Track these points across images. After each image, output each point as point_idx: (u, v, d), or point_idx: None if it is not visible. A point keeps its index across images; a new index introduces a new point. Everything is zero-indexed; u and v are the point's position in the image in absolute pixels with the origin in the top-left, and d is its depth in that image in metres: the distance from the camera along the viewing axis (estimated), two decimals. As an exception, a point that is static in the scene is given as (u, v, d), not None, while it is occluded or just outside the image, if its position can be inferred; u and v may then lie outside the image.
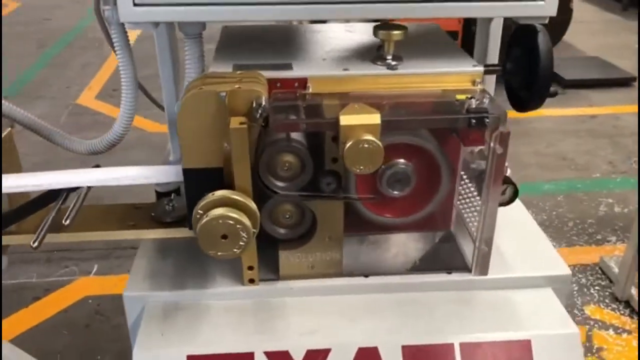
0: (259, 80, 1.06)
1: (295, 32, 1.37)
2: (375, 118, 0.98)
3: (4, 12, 6.94)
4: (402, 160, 1.10)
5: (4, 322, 2.33)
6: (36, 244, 1.03)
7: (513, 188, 1.23)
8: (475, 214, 1.14)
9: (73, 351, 2.22)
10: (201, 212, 1.00)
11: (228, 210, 0.99)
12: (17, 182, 1.05)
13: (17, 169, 1.27)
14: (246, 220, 0.99)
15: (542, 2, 1.09)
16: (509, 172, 1.41)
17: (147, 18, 1.09)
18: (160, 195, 1.27)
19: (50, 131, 1.36)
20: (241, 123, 1.00)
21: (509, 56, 1.25)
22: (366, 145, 0.96)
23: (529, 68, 1.18)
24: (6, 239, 1.15)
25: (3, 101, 1.37)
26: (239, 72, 1.10)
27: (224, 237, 0.99)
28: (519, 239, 1.27)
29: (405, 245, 1.25)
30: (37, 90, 4.66)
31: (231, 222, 0.98)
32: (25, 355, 1.42)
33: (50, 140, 1.36)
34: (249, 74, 1.08)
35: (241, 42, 1.31)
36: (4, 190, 1.03)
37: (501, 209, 1.28)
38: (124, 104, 1.32)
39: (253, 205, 1.02)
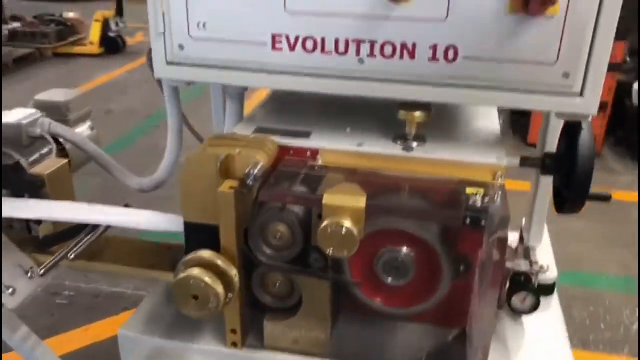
0: (264, 146, 1.07)
1: (350, 100, 1.34)
2: (360, 201, 0.94)
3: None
4: (404, 248, 1.04)
5: (91, 326, 2.54)
6: (42, 271, 1.12)
7: (535, 297, 1.11)
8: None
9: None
10: (182, 267, 1.02)
11: (203, 272, 1.00)
12: (26, 207, 1.15)
13: (70, 199, 1.39)
14: (219, 287, 0.99)
15: (580, 99, 0.99)
16: (554, 274, 1.28)
17: (179, 77, 1.15)
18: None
19: (110, 164, 1.48)
20: (230, 187, 1.01)
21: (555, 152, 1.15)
22: (338, 229, 0.92)
23: (568, 167, 1.07)
24: (39, 257, 1.26)
25: (76, 132, 1.52)
26: (252, 135, 1.12)
27: (195, 297, 1.00)
28: (539, 353, 1.13)
29: (409, 335, 1.16)
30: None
31: (202, 285, 0.99)
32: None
33: (108, 171, 1.48)
34: (258, 139, 1.09)
35: (280, 105, 1.32)
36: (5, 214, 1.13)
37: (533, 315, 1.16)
38: (168, 150, 1.40)
39: (233, 271, 1.02)
